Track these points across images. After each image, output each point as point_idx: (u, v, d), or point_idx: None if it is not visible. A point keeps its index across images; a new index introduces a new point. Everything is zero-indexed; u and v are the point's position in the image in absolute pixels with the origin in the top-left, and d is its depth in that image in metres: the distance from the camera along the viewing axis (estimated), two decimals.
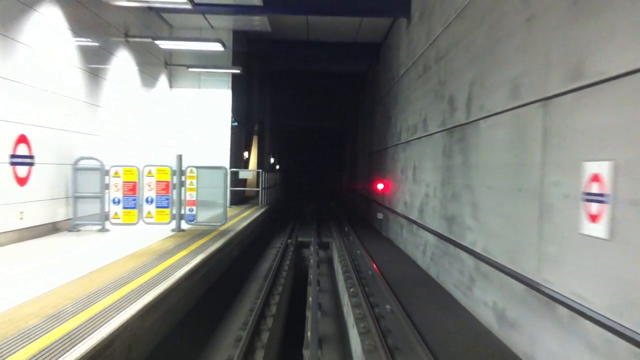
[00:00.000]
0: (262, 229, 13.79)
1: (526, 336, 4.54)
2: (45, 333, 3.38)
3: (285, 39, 15.61)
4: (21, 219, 6.73)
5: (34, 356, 2.99)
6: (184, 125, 13.79)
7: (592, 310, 3.49)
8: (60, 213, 7.84)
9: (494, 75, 5.66)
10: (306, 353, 5.19)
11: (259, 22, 12.94)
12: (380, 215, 14.46)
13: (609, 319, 3.29)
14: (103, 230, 8.04)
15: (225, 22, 13.03)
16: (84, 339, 3.27)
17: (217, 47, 10.32)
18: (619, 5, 3.33)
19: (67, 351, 3.06)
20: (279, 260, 9.50)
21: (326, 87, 24.38)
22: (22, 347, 3.14)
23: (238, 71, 13.06)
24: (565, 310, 3.86)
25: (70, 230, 7.85)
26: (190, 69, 13.03)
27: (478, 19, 6.31)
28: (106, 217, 8.10)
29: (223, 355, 4.70)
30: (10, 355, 2.99)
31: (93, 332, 3.38)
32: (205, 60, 13.14)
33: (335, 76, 22.32)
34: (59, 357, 2.95)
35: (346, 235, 13.38)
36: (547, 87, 4.29)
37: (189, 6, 7.93)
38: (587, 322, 3.55)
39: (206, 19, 12.57)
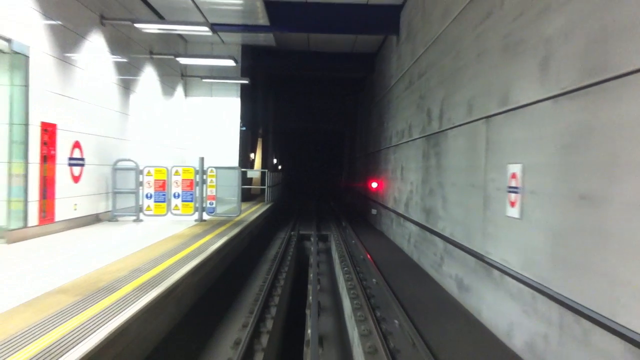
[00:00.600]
0: (268, 222, 15.25)
1: (475, 296, 5.98)
2: (135, 279, 4.86)
3: (288, 50, 17.05)
4: (75, 210, 8.17)
5: (137, 288, 4.44)
6: (198, 130, 15.25)
7: (512, 269, 4.92)
8: (102, 206, 9.29)
9: (457, 94, 7.10)
10: (308, 312, 6.63)
11: (265, 38, 14.39)
12: (374, 211, 15.90)
13: (520, 274, 4.73)
14: (137, 220, 9.52)
15: (235, 38, 14.48)
16: (160, 283, 4.73)
17: (230, 62, 11.77)
18: (526, 55, 4.77)
19: (154, 287, 4.55)
20: (284, 247, 10.95)
21: (326, 92, 25.83)
22: (126, 283, 4.64)
23: (246, 81, 14.51)
24: (497, 272, 5.30)
25: (109, 221, 9.31)
26: (204, 80, 14.49)
27: (447, 48, 7.75)
28: (140, 209, 9.57)
29: (249, 305, 6.20)
30: (123, 286, 4.51)
31: (164, 280, 4.83)
32: (217, 72, 14.59)
33: (334, 82, 23.77)
34: (149, 291, 4.40)
35: (343, 229, 14.79)
36: (489, 108, 5.73)
37: (209, 33, 9.38)
38: (508, 278, 4.99)
39: (218, 35, 14.01)
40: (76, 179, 8.14)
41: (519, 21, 4.98)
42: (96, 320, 3.54)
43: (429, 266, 8.42)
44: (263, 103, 21.35)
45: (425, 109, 9.10)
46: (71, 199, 8.00)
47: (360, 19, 12.77)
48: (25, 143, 6.62)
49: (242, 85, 15.31)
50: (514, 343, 4.79)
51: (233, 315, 5.89)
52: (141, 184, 9.51)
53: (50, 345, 3.10)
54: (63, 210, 7.77)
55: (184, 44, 14.58)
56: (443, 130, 7.80)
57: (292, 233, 13.74)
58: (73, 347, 3.09)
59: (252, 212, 13.04)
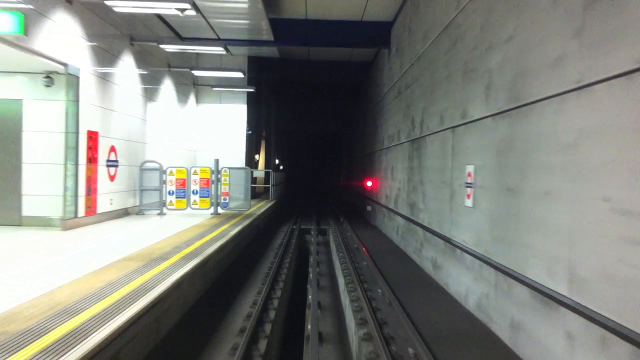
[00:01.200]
0: (272, 217, 16.63)
1: (445, 272, 7.34)
2: (178, 253, 6.28)
3: (290, 59, 18.41)
4: (111, 204, 9.54)
5: (181, 258, 5.81)
6: (208, 133, 16.62)
7: (468, 247, 6.28)
8: (130, 201, 10.65)
9: (433, 106, 8.46)
10: (309, 287, 7.98)
11: (269, 50, 15.75)
12: (369, 208, 17.26)
13: (473, 250, 6.09)
14: (161, 214, 10.89)
15: (241, 50, 15.84)
16: (197, 255, 6.10)
17: (239, 74, 13.14)
18: (477, 81, 6.13)
19: (194, 257, 5.93)
20: (287, 238, 12.32)
21: (325, 96, 27.19)
22: (173, 255, 6.03)
23: (252, 89, 15.87)
24: (459, 251, 6.65)
25: (137, 214, 10.67)
26: (214, 89, 15.86)
27: (427, 66, 9.11)
28: (163, 204, 10.93)
29: (262, 278, 7.59)
30: (171, 257, 5.92)
31: (199, 254, 6.20)
32: (226, 81, 15.95)
33: (333, 87, 25.14)
34: (191, 260, 5.77)
35: (341, 224, 16.13)
36: (454, 120, 7.09)
37: (223, 52, 10.75)
38: (466, 254, 6.35)
39: (227, 48, 15.36)
40: (112, 178, 9.50)
41: (473, 53, 6.34)
42: (160, 276, 4.91)
43: (411, 252, 9.78)
44: (266, 107, 22.70)
45: (410, 117, 10.47)
46: (108, 195, 9.36)
47: (355, 34, 14.12)
48: (76, 148, 7.99)
49: (248, 92, 16.67)
50: (469, 303, 6.15)
51: (249, 285, 7.27)
52: (164, 182, 10.89)
53: (138, 287, 4.49)
54: (102, 204, 9.13)
55: (196, 57, 15.95)
56: (423, 136, 9.16)
57: (294, 227, 15.10)
58: (152, 288, 4.46)
59: (259, 207, 14.41)
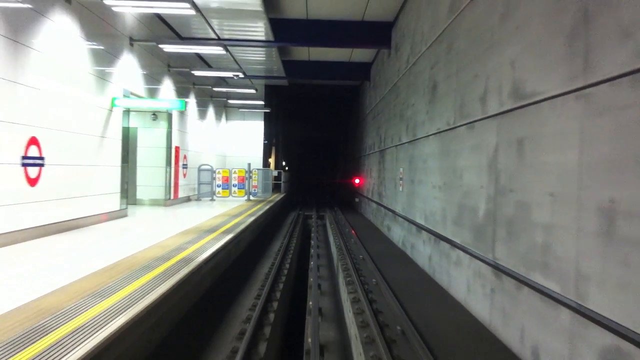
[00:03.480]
0: (285, 202, 21.52)
1: (392, 231, 12.17)
2: (240, 216, 11.05)
3: (297, 84, 23.25)
4: (183, 193, 14.40)
5: (247, 215, 10.65)
6: (234, 143, 21.49)
7: (400, 213, 11.10)
8: (191, 192, 15.52)
9: (389, 131, 13.28)
10: (312, 243, 12.84)
11: (281, 81, 20.61)
12: (357, 199, 22.10)
13: (402, 215, 10.92)
14: (212, 200, 15.76)
15: (260, 81, 20.70)
16: (251, 217, 10.92)
17: (260, 102, 18.03)
18: (403, 122, 10.99)
19: (250, 216, 10.74)
20: (295, 217, 17.18)
21: (325, 109, 32.11)
22: (238, 217, 10.83)
23: (268, 110, 20.74)
24: (397, 217, 11.51)
25: (196, 200, 15.54)
26: (239, 110, 20.74)
27: (386, 104, 13.92)
28: (213, 193, 15.82)
29: (279, 243, 12.44)
30: (239, 217, 10.68)
31: (251, 217, 11.02)
32: (248, 105, 20.84)
33: (332, 101, 30.05)
34: (250, 218, 10.60)
35: (335, 212, 20.97)
36: (396, 141, 11.92)
37: (259, 98, 15.62)
38: (399, 218, 11.18)
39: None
40: (184, 176, 14.37)
41: (402, 106, 11.19)
42: (235, 223, 9.73)
43: (379, 224, 14.62)
44: (276, 122, 27.61)
45: (379, 135, 15.32)
46: (182, 187, 14.22)
47: (343, 73, 18.98)
48: (169, 157, 12.84)
49: (264, 112, 21.55)
50: (399, 242, 10.99)
51: (276, 239, 12.13)
52: (214, 178, 15.80)
53: (231, 225, 9.30)
54: (180, 193, 13.99)
55: (227, 85, 20.82)
56: (384, 149, 13.99)
57: (299, 213, 19.99)
58: (221, 239, 9.29)
59: (276, 196, 19.30)
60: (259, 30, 12.51)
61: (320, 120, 34.59)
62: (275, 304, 6.80)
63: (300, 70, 18.66)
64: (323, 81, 22.11)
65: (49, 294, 4.32)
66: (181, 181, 14.22)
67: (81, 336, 3.27)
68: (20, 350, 3.01)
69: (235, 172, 15.88)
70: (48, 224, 7.12)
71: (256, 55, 15.58)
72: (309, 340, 5.30)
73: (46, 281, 4.75)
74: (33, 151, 6.50)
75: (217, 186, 15.75)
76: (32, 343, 3.14)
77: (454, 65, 6.89)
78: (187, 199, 15.26)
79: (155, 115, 12.76)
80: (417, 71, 9.56)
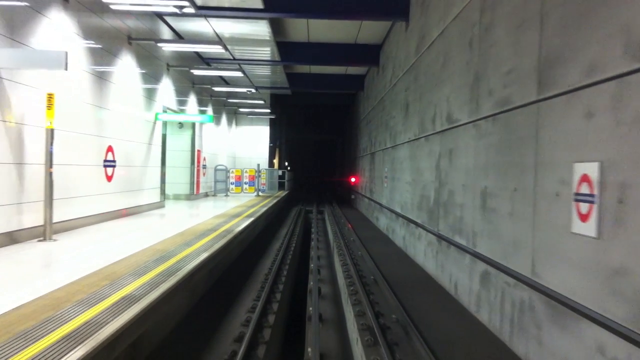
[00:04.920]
0: (290, 197, 23.77)
1: (379, 220, 14.41)
2: (252, 208, 13.29)
3: (300, 92, 25.46)
4: (203, 189, 16.64)
5: (262, 206, 12.89)
6: (243, 145, 23.72)
7: (384, 205, 13.35)
8: (208, 189, 17.76)
9: (377, 137, 15.52)
10: (312, 231, 15.08)
11: (285, 91, 22.84)
12: (353, 196, 24.37)
13: (387, 206, 13.17)
14: (227, 195, 18.01)
15: (266, 90, 22.93)
16: (264, 207, 13.15)
17: (268, 111, 20.26)
18: (387, 131, 13.23)
19: (264, 207, 12.99)
20: (298, 213, 19.43)
21: (325, 113, 34.37)
22: (253, 208, 13.08)
23: (273, 117, 22.97)
24: (383, 208, 13.75)
25: (212, 196, 17.78)
26: (248, 116, 22.97)
27: (375, 114, 16.16)
28: (227, 190, 18.06)
29: (286, 229, 14.68)
30: (254, 207, 12.92)
31: (263, 208, 13.25)
32: (256, 112, 23.07)
33: (331, 107, 32.28)
34: (263, 208, 12.83)
35: (333, 207, 23.22)
36: (382, 146, 14.17)
37: (265, 107, 17.83)
38: (384, 209, 13.43)
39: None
40: (204, 174, 16.62)
41: (387, 117, 13.44)
42: (252, 212, 11.95)
43: (370, 216, 16.87)
44: (279, 125, 29.85)
45: (370, 139, 17.56)
46: (201, 184, 16.47)
47: (340, 84, 21.22)
48: (193, 159, 15.08)
49: (270, 118, 23.77)
50: (384, 229, 13.24)
51: (284, 226, 14.36)
52: (228, 177, 18.03)
53: (237, 224, 11.54)
54: (200, 188, 16.24)
55: (238, 97, 23.07)
56: (374, 152, 16.24)
57: (301, 208, 22.25)
58: (245, 221, 11.53)
59: (281, 192, 21.56)
60: (267, 52, 14.75)
61: (321, 124, 36.85)
62: (286, 267, 9.11)
63: (302, 81, 20.89)
64: (322, 90, 24.37)
65: (158, 243, 7.02)
66: (201, 179, 16.46)
67: (189, 258, 5.80)
68: (162, 263, 5.47)
69: (246, 172, 18.13)
70: (116, 210, 9.36)
71: (264, 71, 17.81)
72: (311, 267, 7.56)
73: (149, 239, 7.22)
74: (110, 156, 8.73)
75: (231, 184, 17.99)
76: (165, 261, 5.63)
77: (419, 92, 9.14)
78: (205, 195, 17.49)
79: (181, 124, 14.98)
80: (396, 91, 11.81)
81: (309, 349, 4.74)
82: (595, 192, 3.16)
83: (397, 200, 11.34)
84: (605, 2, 3.18)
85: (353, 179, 24.53)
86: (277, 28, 13.47)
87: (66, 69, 5.53)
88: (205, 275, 6.75)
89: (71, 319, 3.45)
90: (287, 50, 15.19)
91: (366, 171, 18.87)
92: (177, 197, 15.12)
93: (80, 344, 2.97)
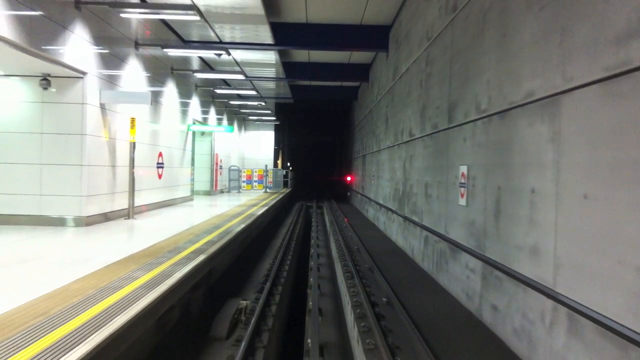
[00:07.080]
0: (294, 194, 26.40)
1: (369, 212, 17.04)
2: (262, 201, 15.93)
3: (301, 99, 28.06)
4: (219, 186, 19.26)
5: (271, 199, 15.53)
6: (250, 148, 26.35)
7: (373, 199, 15.99)
8: (222, 187, 20.38)
9: (367, 141, 18.13)
10: (313, 222, 17.71)
11: (288, 100, 25.47)
12: (349, 193, 27.03)
13: (375, 200, 15.80)
14: (239, 192, 20.65)
15: (272, 100, 25.56)
16: (272, 201, 15.78)
17: (273, 117, 22.87)
18: (374, 137, 15.85)
19: (274, 200, 15.63)
20: (300, 207, 22.06)
21: (324, 118, 37.02)
22: (263, 201, 15.73)
23: (278, 123, 25.60)
24: (372, 202, 16.38)
25: (227, 192, 20.41)
26: (255, 122, 25.61)
27: (366, 122, 18.77)
28: (239, 187, 20.71)
29: (291, 218, 17.30)
30: (263, 201, 15.57)
31: (271, 202, 15.88)
32: (262, 119, 25.70)
33: (330, 111, 34.94)
34: (272, 202, 15.46)
35: (331, 203, 25.86)
36: (370, 149, 16.81)
37: (271, 115, 20.44)
38: (373, 202, 16.07)
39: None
40: (220, 174, 19.25)
41: (374, 126, 16.08)
42: (264, 203, 14.59)
43: (362, 210, 19.50)
44: (282, 129, 32.50)
45: (362, 143, 20.19)
46: (219, 182, 19.10)
47: (337, 95, 23.82)
48: (212, 161, 17.70)
49: (274, 124, 26.41)
50: (372, 219, 15.89)
51: (289, 216, 16.99)
52: (240, 176, 20.67)
53: (256, 211, 14.19)
54: (218, 186, 18.85)
55: (248, 107, 25.69)
56: (365, 154, 18.86)
57: (302, 203, 24.90)
58: (261, 209, 14.17)
59: (285, 189, 24.20)
60: (273, 70, 17.38)
61: (320, 128, 39.59)
62: (293, 244, 11.78)
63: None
64: (322, 90, 27.01)
65: (209, 219, 9.83)
66: (218, 178, 19.09)
67: (233, 227, 8.35)
68: (218, 229, 8.08)
69: (256, 171, 20.78)
70: (163, 201, 12.00)
71: (271, 85, 20.45)
72: (312, 242, 10.22)
73: (201, 218, 10.03)
74: (160, 160, 11.38)
75: (243, 182, 20.62)
76: (219, 228, 8.32)
77: (394, 110, 11.78)
78: (221, 191, 20.13)
79: (203, 132, 17.64)
80: (381, 105, 14.46)
81: (311, 280, 7.41)
82: (465, 181, 5.81)
83: (380, 194, 13.96)
84: (468, 79, 5.84)
85: (349, 178, 27.13)
86: (283, 53, 16.15)
87: (150, 104, 8.16)
88: (241, 239, 9.42)
89: (186, 249, 6.21)
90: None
91: (359, 171, 21.50)
92: (197, 193, 17.74)
93: (201, 253, 5.76)
